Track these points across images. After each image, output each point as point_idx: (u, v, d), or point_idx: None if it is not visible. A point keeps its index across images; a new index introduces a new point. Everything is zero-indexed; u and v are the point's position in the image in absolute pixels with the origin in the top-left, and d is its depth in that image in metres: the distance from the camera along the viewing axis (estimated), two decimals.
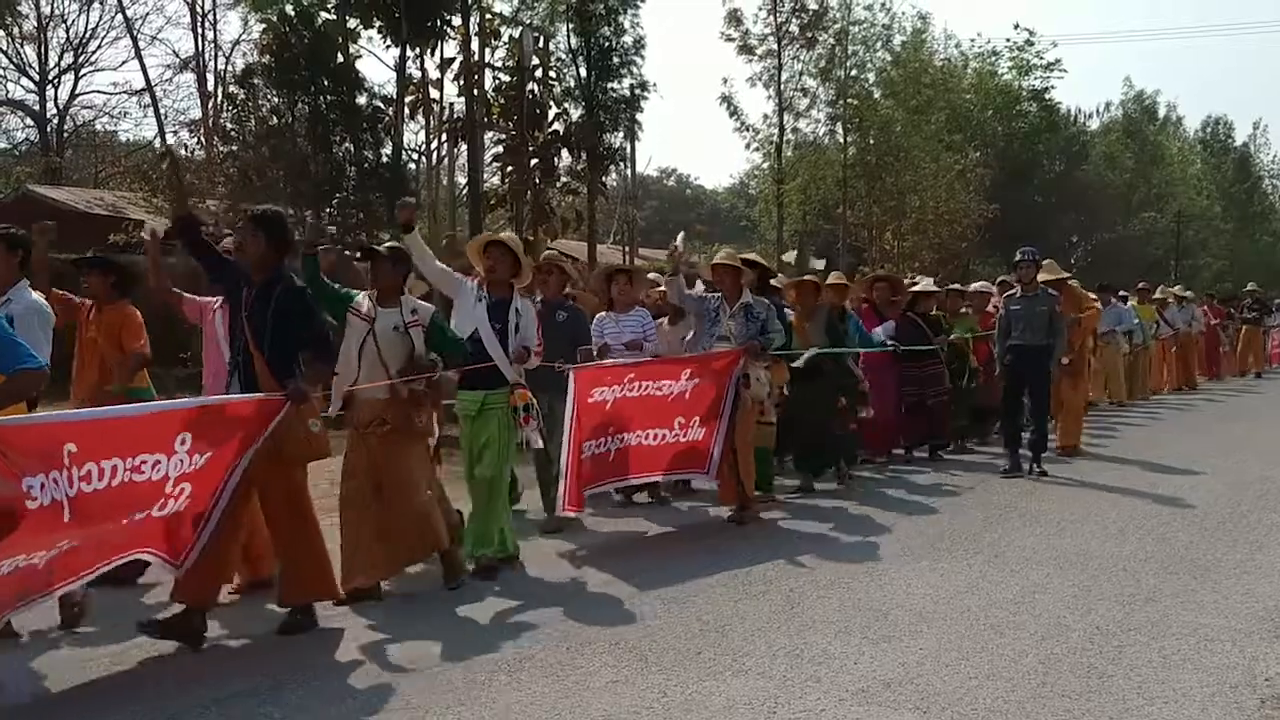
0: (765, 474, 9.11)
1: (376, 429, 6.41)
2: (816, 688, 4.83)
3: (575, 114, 28.24)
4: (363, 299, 6.62)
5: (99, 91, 44.13)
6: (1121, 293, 18.43)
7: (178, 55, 39.05)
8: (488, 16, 27.69)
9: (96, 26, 39.06)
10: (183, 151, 26.60)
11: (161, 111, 37.30)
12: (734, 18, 30.64)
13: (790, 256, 32.83)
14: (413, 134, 29.18)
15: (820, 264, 30.34)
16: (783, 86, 30.99)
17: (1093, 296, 14.67)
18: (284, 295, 5.72)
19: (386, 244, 7.02)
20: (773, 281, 10.21)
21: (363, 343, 6.49)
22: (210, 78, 34.36)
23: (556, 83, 28.72)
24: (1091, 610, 5.94)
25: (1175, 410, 17.02)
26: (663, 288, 9.83)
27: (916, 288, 12.33)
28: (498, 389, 6.99)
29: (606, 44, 27.63)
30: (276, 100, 23.36)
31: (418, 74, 26.59)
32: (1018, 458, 10.69)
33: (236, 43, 36.95)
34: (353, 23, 25.07)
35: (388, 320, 6.52)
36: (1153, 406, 17.43)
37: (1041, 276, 11.29)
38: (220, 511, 5.43)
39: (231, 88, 25.63)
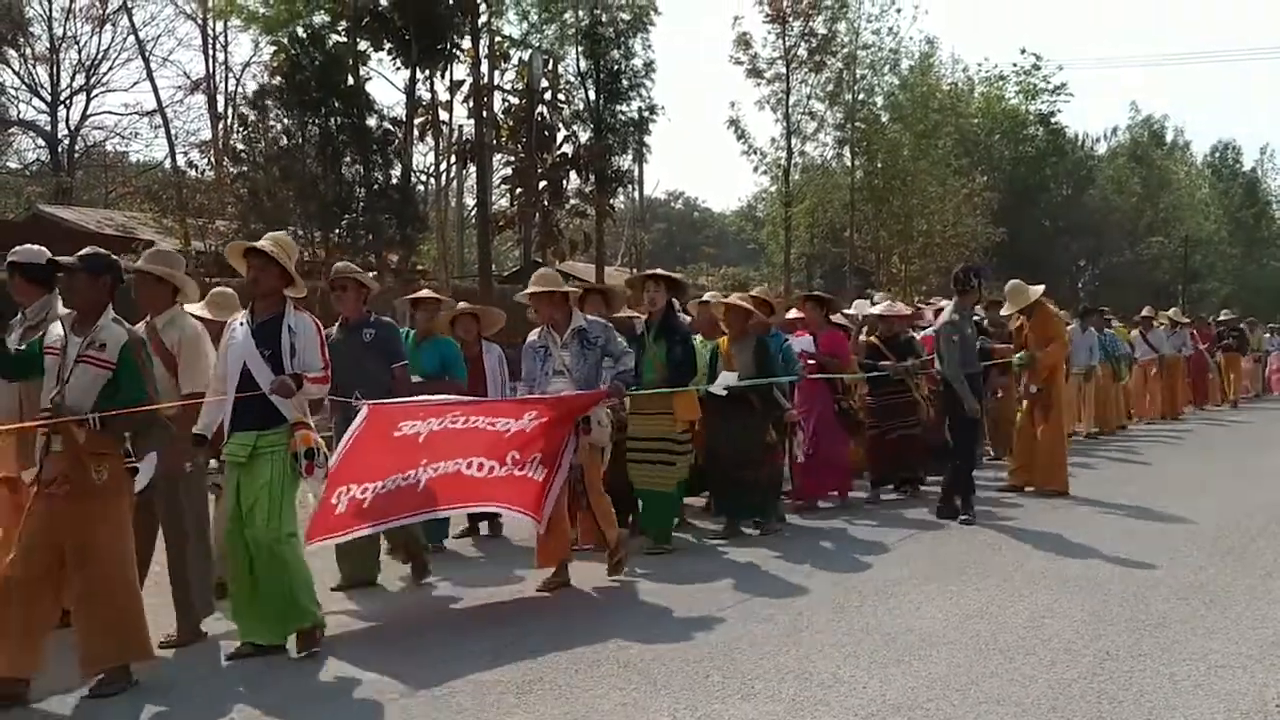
0: (668, 519, 8.39)
1: (58, 488, 5.14)
2: (825, 711, 4.82)
3: (584, 136, 28.40)
4: (55, 326, 5.45)
5: (110, 112, 44.65)
6: (1107, 315, 17.89)
7: (189, 77, 39.46)
8: (497, 39, 27.90)
9: (108, 48, 39.37)
10: (193, 172, 26.72)
11: (172, 132, 37.60)
12: (743, 41, 30.79)
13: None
14: (422, 155, 29.35)
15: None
16: (791, 110, 31.09)
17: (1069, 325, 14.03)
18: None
19: (86, 249, 5.51)
20: (709, 297, 9.97)
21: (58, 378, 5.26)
22: (221, 99, 34.71)
23: (565, 105, 28.90)
24: (1101, 635, 5.92)
25: (1173, 436, 16.95)
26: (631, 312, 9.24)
27: (875, 310, 11.26)
28: (273, 429, 5.71)
29: (616, 67, 27.79)
30: (287, 121, 23.47)
31: (427, 96, 26.75)
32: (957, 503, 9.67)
33: (247, 64, 37.39)
34: (363, 45, 25.23)
35: (74, 350, 5.27)
36: (1146, 433, 17.31)
37: (1006, 309, 11.25)
38: None
39: (242, 109, 25.84)
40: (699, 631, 6.07)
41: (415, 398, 7.04)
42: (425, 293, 8.74)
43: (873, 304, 11.99)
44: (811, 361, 10.13)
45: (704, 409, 8.65)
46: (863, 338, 11.13)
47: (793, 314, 11.28)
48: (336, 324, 7.41)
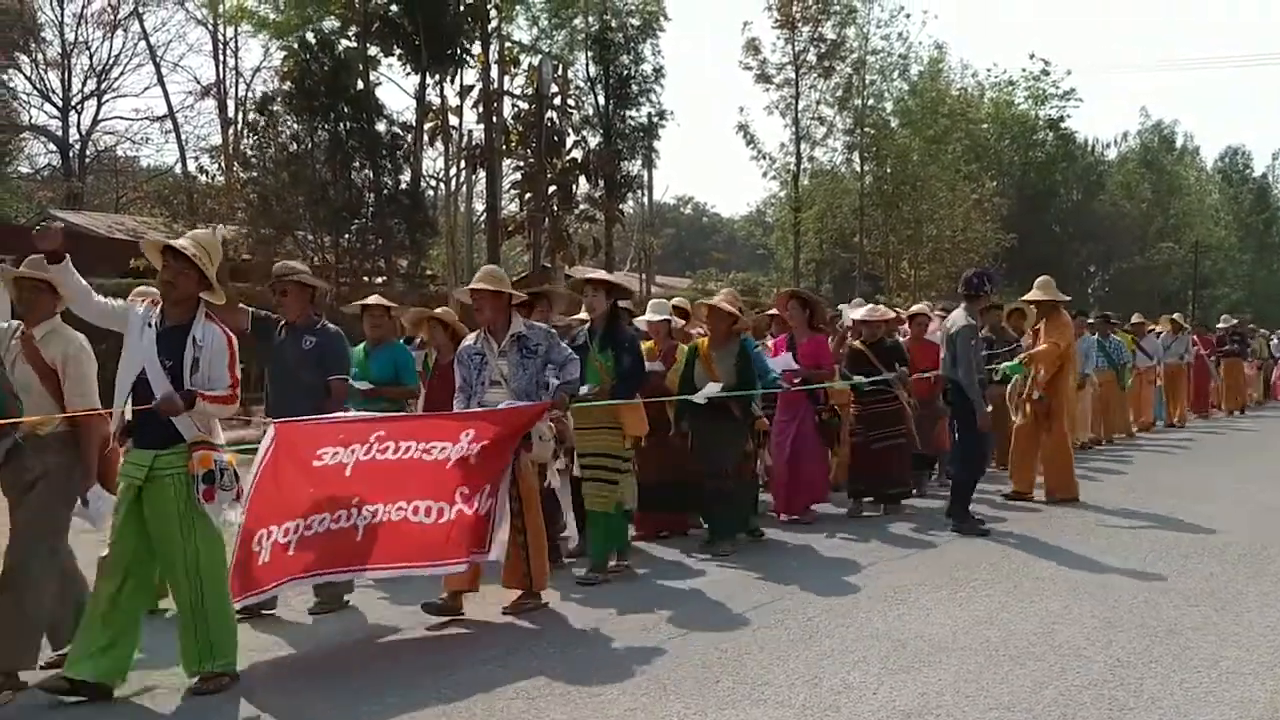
0: (603, 544, 7.64)
1: None
2: (835, 717, 4.81)
3: (593, 142, 28.51)
4: None
5: (121, 117, 45.00)
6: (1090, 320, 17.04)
7: (199, 82, 39.74)
8: (507, 45, 27.97)
9: (119, 54, 39.63)
10: (203, 177, 26.78)
11: (183, 137, 37.87)
12: (752, 47, 30.86)
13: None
14: (431, 161, 29.42)
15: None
16: (800, 115, 31.16)
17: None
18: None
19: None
20: (657, 310, 9.33)
21: None
22: (231, 104, 34.77)
23: (575, 111, 28.99)
24: (1112, 642, 5.90)
25: (1176, 445, 16.87)
26: (580, 316, 8.62)
27: (857, 314, 10.69)
28: (171, 448, 5.17)
29: (625, 72, 27.87)
30: (296, 127, 23.56)
31: (437, 101, 26.81)
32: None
33: (257, 70, 37.52)
34: (373, 50, 25.31)
35: None
36: (1149, 441, 17.17)
37: (1032, 294, 10.95)
38: None
39: (252, 114, 25.85)
40: (708, 637, 6.06)
41: (331, 414, 6.40)
42: (374, 299, 8.26)
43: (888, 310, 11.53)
44: (796, 380, 9.56)
45: (680, 415, 8.37)
46: (850, 342, 10.51)
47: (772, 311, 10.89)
48: (281, 328, 6.91)
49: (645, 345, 8.89)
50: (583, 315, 8.40)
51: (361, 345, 8.03)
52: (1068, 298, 11.04)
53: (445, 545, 6.07)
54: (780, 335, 10.28)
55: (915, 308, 12.33)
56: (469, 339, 6.99)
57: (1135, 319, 19.52)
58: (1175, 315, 21.02)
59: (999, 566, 7.82)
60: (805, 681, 5.27)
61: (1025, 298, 11.20)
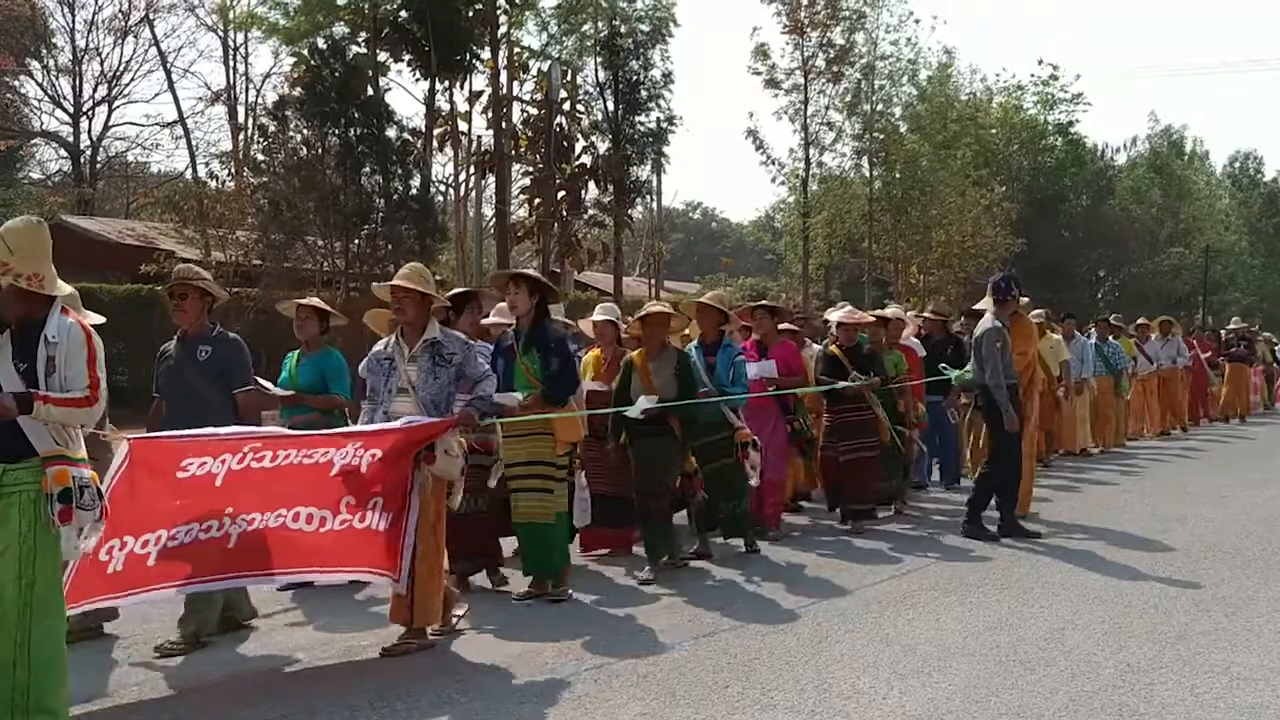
0: (550, 556, 7.14)
1: None
2: None
3: (602, 147, 28.54)
4: None
5: (132, 123, 44.91)
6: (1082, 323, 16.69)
7: (210, 88, 39.82)
8: (516, 50, 28.07)
9: (130, 60, 39.81)
10: (213, 183, 26.90)
11: (193, 143, 37.96)
12: (761, 52, 30.83)
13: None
14: (441, 166, 29.56)
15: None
16: (809, 120, 31.11)
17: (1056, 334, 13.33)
18: None
19: None
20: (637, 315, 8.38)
21: None
22: (241, 110, 34.92)
23: (584, 116, 29.04)
24: (1122, 647, 5.89)
25: (1178, 452, 16.77)
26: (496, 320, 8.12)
27: (834, 317, 10.15)
28: (22, 462, 4.51)
29: (634, 78, 27.91)
30: (307, 132, 23.64)
31: (446, 107, 26.92)
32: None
33: (267, 76, 37.66)
34: (383, 56, 25.44)
35: None
36: (1150, 448, 17.02)
37: (982, 304, 10.33)
38: None
39: (262, 120, 25.98)
40: (718, 642, 6.07)
41: (202, 430, 5.85)
42: (311, 300, 7.80)
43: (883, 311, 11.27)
44: (770, 388, 9.13)
45: (616, 431, 7.83)
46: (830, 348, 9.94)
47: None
48: (175, 338, 6.48)
49: (593, 353, 8.70)
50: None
51: (295, 352, 7.70)
52: (1025, 298, 10.47)
53: (338, 555, 5.67)
54: (747, 340, 9.60)
55: (889, 310, 11.73)
56: (379, 344, 6.43)
57: (1139, 322, 19.04)
58: (1164, 318, 20.08)
59: (1009, 572, 7.81)
60: (815, 687, 5.27)
61: (976, 306, 10.91)
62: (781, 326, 9.75)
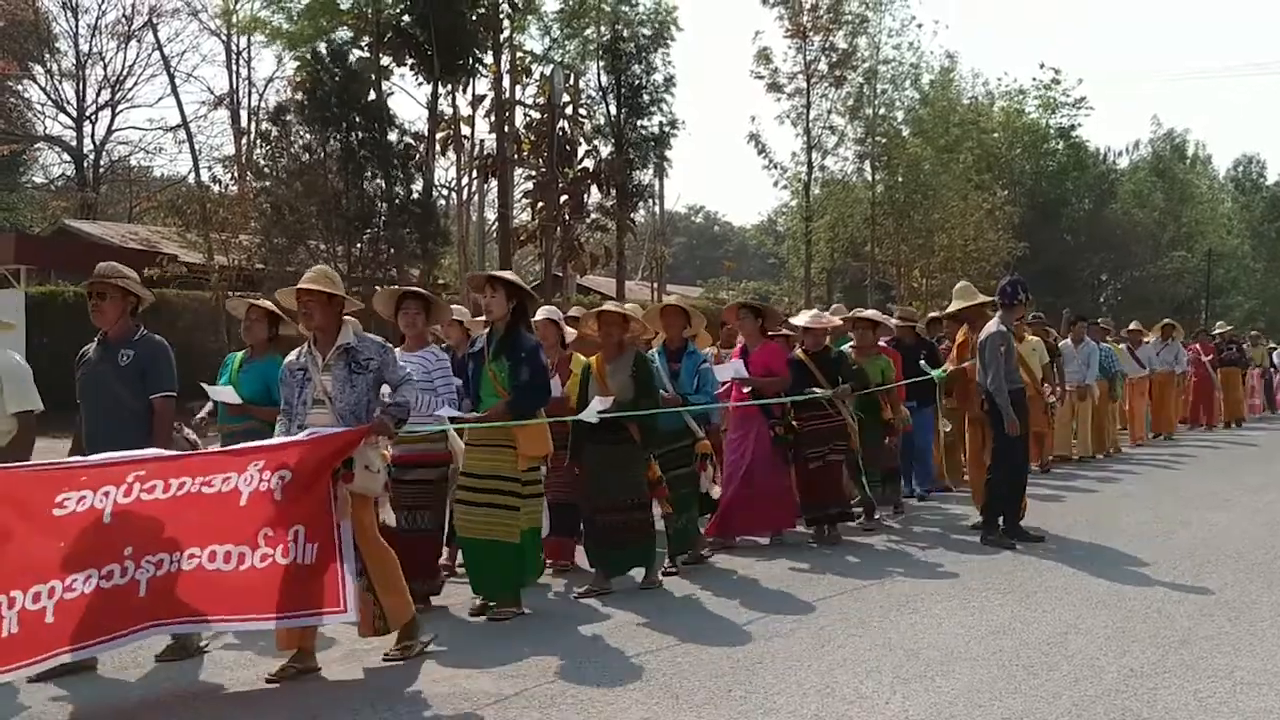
0: (509, 577, 6.79)
1: None
2: None
3: (605, 151, 28.53)
4: None
5: (135, 128, 45.33)
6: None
7: (212, 92, 40.00)
8: (519, 54, 28.06)
9: (133, 64, 39.92)
10: (216, 187, 26.91)
11: (196, 147, 37.80)
12: (763, 56, 30.78)
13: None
14: (443, 170, 29.50)
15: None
16: (811, 124, 31.07)
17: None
18: None
19: None
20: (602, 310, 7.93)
21: None
22: (244, 114, 34.97)
23: (587, 120, 29.03)
24: (1126, 652, 5.89)
25: (1177, 458, 16.78)
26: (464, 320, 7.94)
27: (802, 320, 9.84)
28: None
29: (637, 82, 27.90)
30: (309, 136, 23.60)
31: (449, 111, 26.89)
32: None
33: (270, 80, 37.68)
34: (385, 60, 25.40)
35: None
36: (1149, 454, 16.95)
37: (952, 308, 10.30)
38: None
39: (265, 124, 25.97)
40: (721, 647, 6.06)
41: (73, 458, 5.50)
42: (263, 301, 7.39)
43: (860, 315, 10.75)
44: (746, 390, 8.89)
45: (578, 446, 7.47)
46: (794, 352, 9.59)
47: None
48: (95, 340, 6.16)
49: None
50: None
51: (240, 354, 7.39)
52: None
53: (273, 597, 5.19)
54: (736, 346, 9.54)
55: (866, 312, 11.26)
56: (292, 354, 6.05)
57: (1132, 326, 18.88)
58: (1166, 321, 19.87)
59: (1012, 576, 7.81)
60: (818, 691, 5.27)
61: (947, 311, 10.74)
62: (770, 333, 9.37)
